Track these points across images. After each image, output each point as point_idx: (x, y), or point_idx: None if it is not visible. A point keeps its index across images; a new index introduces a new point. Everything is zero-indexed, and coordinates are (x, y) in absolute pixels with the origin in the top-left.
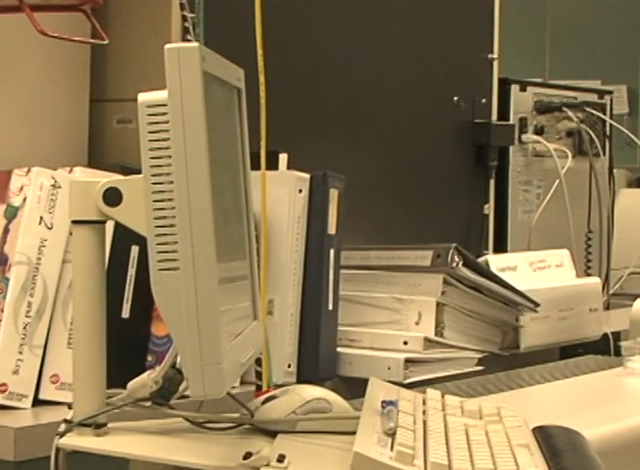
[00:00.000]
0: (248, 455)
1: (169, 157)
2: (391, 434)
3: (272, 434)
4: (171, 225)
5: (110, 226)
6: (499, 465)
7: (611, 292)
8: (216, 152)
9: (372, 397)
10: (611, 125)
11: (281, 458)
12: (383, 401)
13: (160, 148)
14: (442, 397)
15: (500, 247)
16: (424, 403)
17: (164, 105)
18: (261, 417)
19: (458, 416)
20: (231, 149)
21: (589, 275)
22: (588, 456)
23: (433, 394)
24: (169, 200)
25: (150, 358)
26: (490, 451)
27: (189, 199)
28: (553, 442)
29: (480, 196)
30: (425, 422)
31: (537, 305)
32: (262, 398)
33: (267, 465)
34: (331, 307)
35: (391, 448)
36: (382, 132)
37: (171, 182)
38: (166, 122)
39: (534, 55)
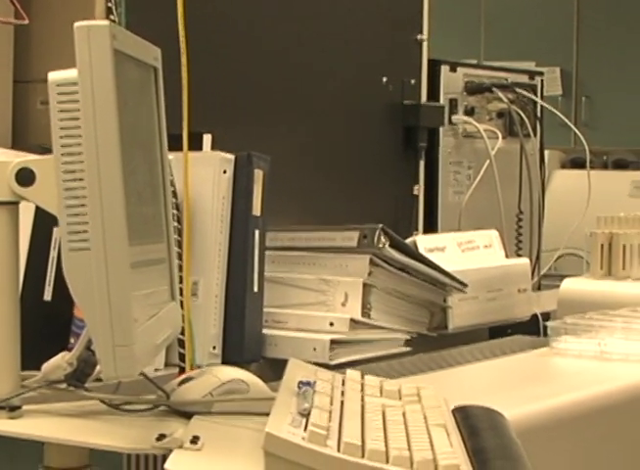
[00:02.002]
0: (161, 437)
1: (80, 136)
2: (306, 414)
3: (188, 415)
4: (82, 205)
5: (32, 208)
6: (413, 445)
7: (542, 273)
8: (129, 131)
9: (289, 378)
10: (541, 107)
11: (194, 440)
12: (300, 382)
13: (70, 127)
14: (362, 377)
15: (430, 228)
16: (343, 384)
17: (75, 84)
18: (177, 399)
19: (377, 397)
20: (147, 129)
21: (520, 256)
22: (507, 436)
23: (352, 374)
24: (80, 179)
25: (72, 341)
26: (406, 431)
27: (99, 179)
28: (472, 421)
29: (409, 177)
30: (342, 403)
31: (465, 285)
32: (179, 379)
33: (180, 447)
34: (256, 289)
35: (305, 429)
36: (309, 113)
37: (82, 162)
38: (76, 102)
39: (469, 37)
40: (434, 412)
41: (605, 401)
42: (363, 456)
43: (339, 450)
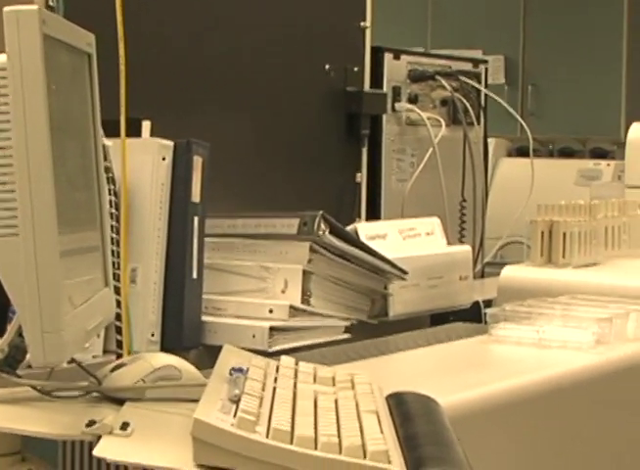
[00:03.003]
0: (91, 423)
1: (8, 121)
2: (236, 401)
3: (121, 402)
4: (11, 191)
5: None
6: (343, 431)
7: (486, 260)
8: (60, 117)
9: (222, 364)
10: (485, 95)
11: (124, 426)
12: (232, 369)
13: None
14: (296, 364)
15: (373, 215)
16: (277, 371)
17: (3, 69)
18: (109, 385)
19: (310, 384)
20: (80, 115)
21: (463, 243)
22: (439, 422)
23: (286, 361)
24: (8, 165)
25: (8, 327)
26: (337, 418)
27: (28, 164)
28: (405, 408)
29: (352, 164)
30: (274, 389)
31: (405, 272)
32: (111, 365)
33: (110, 433)
34: (195, 276)
35: (235, 415)
36: (250, 100)
37: (11, 147)
38: (5, 87)
39: (417, 25)
40: (366, 399)
41: (542, 388)
42: (292, 442)
43: (267, 437)
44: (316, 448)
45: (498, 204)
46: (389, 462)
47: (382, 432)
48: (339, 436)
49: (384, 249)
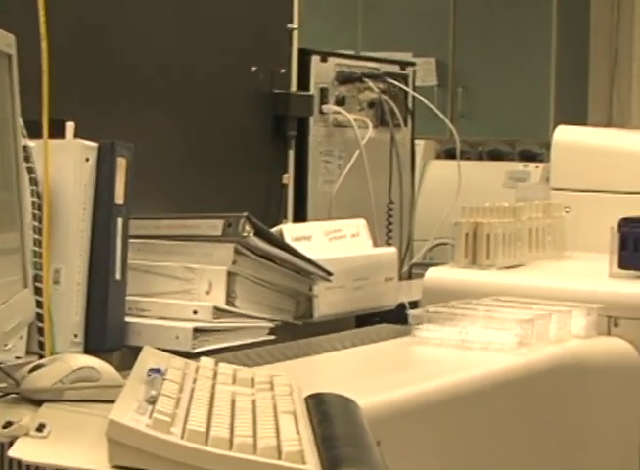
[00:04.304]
0: (7, 425)
1: None
2: (152, 402)
3: (39, 403)
4: None
5: None
6: (259, 431)
7: (413, 262)
8: None
9: (141, 365)
10: (413, 97)
11: (41, 427)
12: (149, 370)
13: None
14: (216, 365)
15: (300, 217)
16: (196, 372)
17: None
18: (27, 386)
19: (228, 385)
20: None
21: (390, 245)
22: (357, 423)
23: (206, 362)
24: None
25: None
26: (253, 419)
27: None
28: (324, 409)
29: (279, 166)
30: (192, 390)
31: (330, 274)
32: (30, 366)
33: (26, 434)
34: (119, 277)
35: (150, 416)
36: (177, 102)
37: None
38: None
39: (347, 27)
40: (284, 400)
41: (463, 389)
42: (207, 443)
43: (182, 437)
44: (231, 449)
45: (427, 206)
46: (304, 463)
47: (298, 432)
48: (254, 436)
49: (309, 250)
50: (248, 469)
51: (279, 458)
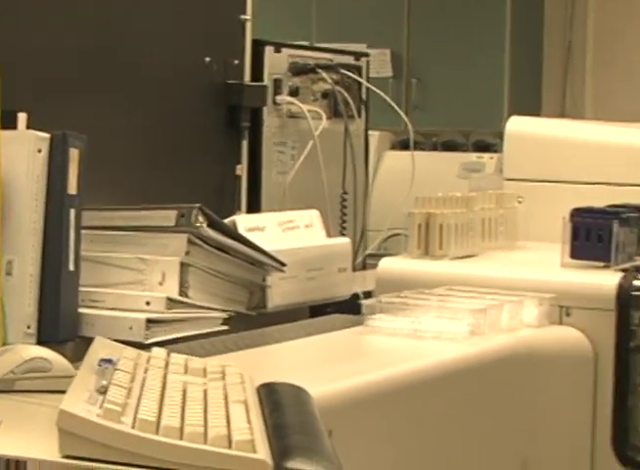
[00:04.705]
0: None
1: None
2: (103, 392)
3: None
4: None
5: None
6: (210, 421)
7: (367, 252)
8: None
9: (92, 355)
10: (367, 88)
11: None
12: (100, 360)
13: None
14: (168, 355)
15: (254, 207)
16: (148, 362)
17: None
18: None
19: (180, 374)
20: None
21: (344, 236)
22: (308, 412)
23: (158, 352)
24: None
25: None
26: (204, 408)
27: None
28: (275, 398)
29: (232, 157)
30: (144, 380)
31: (284, 264)
32: None
33: None
34: (72, 268)
35: (101, 406)
36: (130, 92)
37: None
38: None
39: (301, 18)
40: (235, 389)
41: (415, 378)
42: (157, 433)
43: (133, 427)
44: (181, 438)
45: (382, 196)
46: (255, 451)
47: (249, 422)
48: (205, 426)
49: (262, 241)
50: (198, 458)
51: (229, 447)
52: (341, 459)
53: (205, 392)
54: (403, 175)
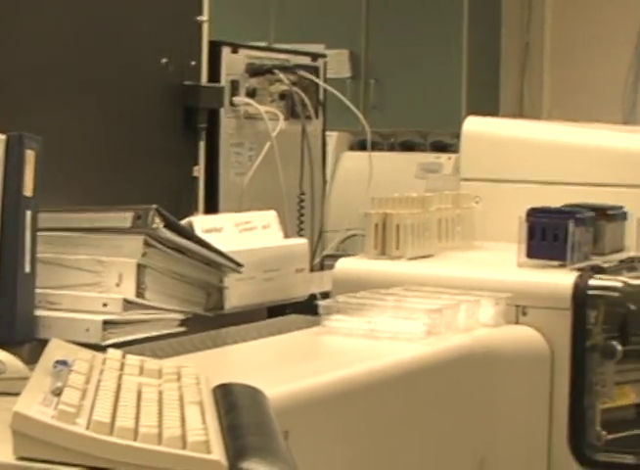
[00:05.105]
0: None
1: None
2: (58, 393)
3: None
4: None
5: None
6: (165, 422)
7: (325, 253)
8: None
9: (47, 357)
10: (324, 88)
11: None
12: (56, 361)
13: None
14: (124, 357)
15: (211, 209)
16: (104, 364)
17: None
18: None
19: (135, 376)
20: None
21: (302, 236)
22: (264, 413)
23: (113, 354)
24: None
25: None
26: (159, 409)
27: None
28: (231, 399)
29: (189, 158)
30: (99, 382)
31: (241, 265)
32: None
33: None
34: (28, 270)
35: (56, 408)
36: (86, 94)
37: None
38: None
39: (259, 18)
40: (191, 390)
41: (371, 379)
42: (112, 434)
43: (87, 428)
44: (136, 440)
45: (340, 197)
46: (209, 452)
47: (204, 423)
48: (160, 427)
49: (219, 242)
50: (152, 459)
51: (184, 448)
52: (297, 460)
53: (161, 393)
54: (361, 176)
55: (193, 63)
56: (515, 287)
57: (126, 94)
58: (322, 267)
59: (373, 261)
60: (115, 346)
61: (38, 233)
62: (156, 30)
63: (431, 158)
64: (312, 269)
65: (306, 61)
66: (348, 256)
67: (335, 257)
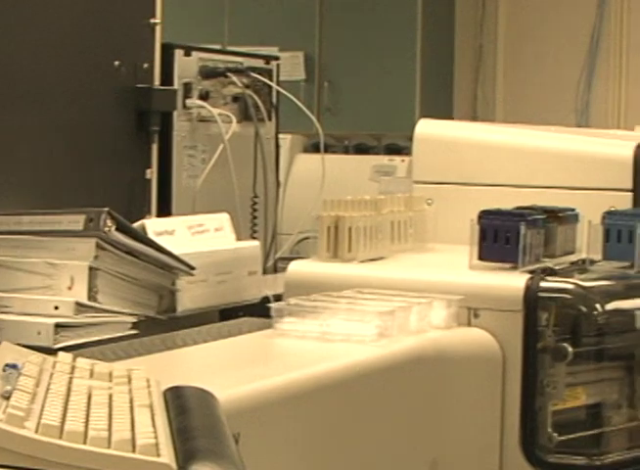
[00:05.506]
0: None
1: None
2: (7, 397)
3: None
4: None
5: None
6: (114, 425)
7: (279, 255)
8: None
9: None
10: (277, 91)
11: None
12: (5, 365)
13: None
14: (74, 360)
15: (164, 211)
16: (54, 367)
17: None
18: None
19: (86, 379)
20: None
21: (255, 239)
22: (214, 416)
23: (64, 357)
24: None
25: None
26: (109, 413)
27: None
28: (181, 402)
29: (142, 161)
30: (49, 385)
31: (193, 268)
32: None
33: None
34: None
35: (5, 411)
36: (39, 97)
37: None
38: None
39: (213, 21)
40: (141, 393)
41: (323, 381)
42: (61, 437)
43: (36, 432)
44: (85, 443)
45: (294, 200)
46: (159, 455)
47: (153, 425)
48: (109, 430)
49: (172, 245)
50: (101, 462)
51: (133, 451)
52: (248, 462)
53: (111, 396)
54: (315, 178)
55: (145, 65)
56: (467, 289)
57: (79, 97)
58: (275, 270)
59: (325, 264)
60: (67, 349)
61: None
62: (108, 33)
63: (384, 160)
64: (265, 272)
65: (260, 63)
66: (301, 258)
67: (288, 259)
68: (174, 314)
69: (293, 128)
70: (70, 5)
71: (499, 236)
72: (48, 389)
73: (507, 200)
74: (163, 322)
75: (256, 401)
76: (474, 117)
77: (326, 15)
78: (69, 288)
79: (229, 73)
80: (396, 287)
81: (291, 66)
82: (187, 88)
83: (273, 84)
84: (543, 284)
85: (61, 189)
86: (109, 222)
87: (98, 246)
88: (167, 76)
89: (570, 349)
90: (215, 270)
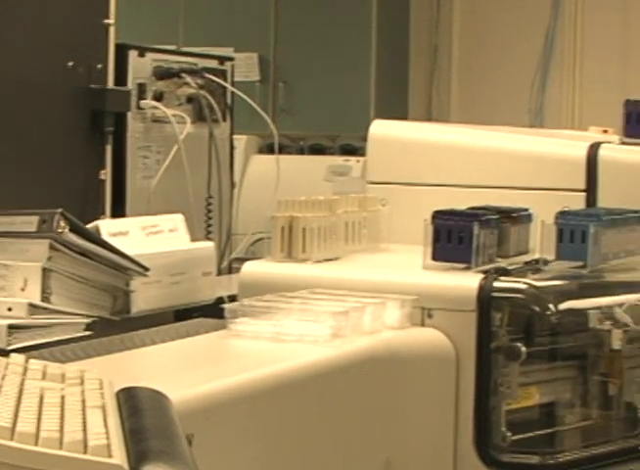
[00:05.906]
0: None
1: None
2: None
3: None
4: None
5: None
6: (66, 426)
7: (234, 256)
8: None
9: None
10: (232, 92)
11: None
12: None
13: None
14: (26, 361)
15: (119, 212)
16: (6, 368)
17: None
18: None
19: (38, 380)
20: None
21: (210, 239)
22: (166, 417)
23: (16, 358)
24: None
25: None
26: (61, 414)
27: None
28: (134, 402)
29: (96, 162)
30: (0, 386)
31: (146, 269)
32: None
33: None
34: None
35: None
36: None
37: None
38: None
39: (168, 21)
40: (93, 394)
41: (275, 382)
42: (12, 439)
43: None
44: (37, 444)
45: (249, 200)
46: (110, 456)
47: (105, 426)
48: (61, 431)
49: (125, 246)
50: (53, 463)
51: (85, 452)
52: (201, 463)
53: (63, 397)
54: (270, 179)
55: (99, 66)
56: (420, 289)
57: (32, 97)
58: (230, 271)
59: (279, 264)
60: (20, 350)
61: None
62: (62, 33)
63: (339, 161)
64: (220, 273)
65: (214, 64)
66: (256, 259)
67: (243, 260)
68: (128, 315)
69: (247, 129)
70: (25, 5)
71: (452, 236)
72: (0, 390)
73: (460, 200)
74: (118, 323)
75: (209, 402)
76: (429, 118)
77: (281, 16)
78: (23, 289)
79: (183, 74)
80: (350, 287)
81: (246, 66)
82: (141, 89)
83: (227, 85)
84: (496, 284)
85: (14, 190)
86: (62, 223)
87: (51, 247)
88: (121, 77)
89: (523, 348)
90: (169, 271)
